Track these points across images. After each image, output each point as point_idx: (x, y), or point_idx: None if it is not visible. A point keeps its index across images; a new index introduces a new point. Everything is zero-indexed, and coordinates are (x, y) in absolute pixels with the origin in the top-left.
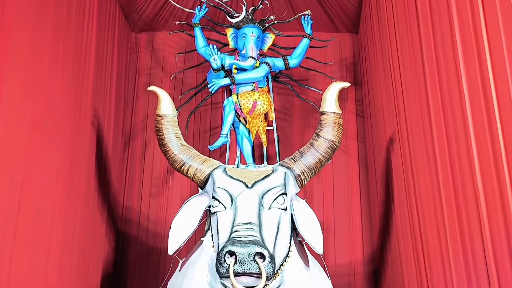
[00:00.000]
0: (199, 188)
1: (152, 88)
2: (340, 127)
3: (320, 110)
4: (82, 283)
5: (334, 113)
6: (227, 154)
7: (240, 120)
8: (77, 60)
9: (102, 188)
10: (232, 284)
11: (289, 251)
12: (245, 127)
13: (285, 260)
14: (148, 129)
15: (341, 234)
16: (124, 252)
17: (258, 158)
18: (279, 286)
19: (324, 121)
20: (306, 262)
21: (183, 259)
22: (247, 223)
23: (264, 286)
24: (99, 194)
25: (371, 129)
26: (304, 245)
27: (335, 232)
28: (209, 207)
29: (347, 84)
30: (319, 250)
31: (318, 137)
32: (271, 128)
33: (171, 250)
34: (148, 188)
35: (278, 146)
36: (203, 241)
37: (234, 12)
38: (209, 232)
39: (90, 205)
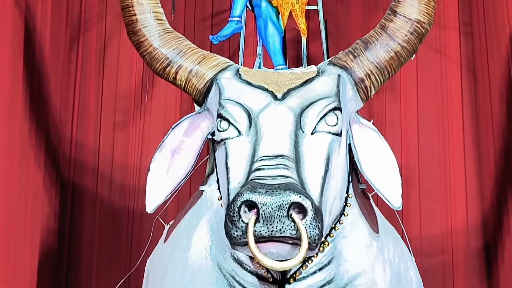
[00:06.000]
0: (195, 105)
1: None
2: None
3: None
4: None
5: None
6: (240, 52)
7: None
8: None
9: (35, 115)
10: (252, 256)
11: (345, 205)
12: (271, 5)
13: (338, 220)
14: (110, 14)
15: (430, 186)
16: (75, 216)
17: (292, 60)
18: (329, 263)
19: None
20: (373, 225)
21: (170, 223)
22: (276, 157)
23: (305, 261)
24: (31, 125)
25: (484, 12)
26: (371, 197)
27: (420, 183)
28: (213, 134)
29: None
30: (395, 202)
31: (395, 15)
32: (314, 7)
33: (150, 206)
34: (111, 114)
35: (327, 38)
36: (203, 191)
37: None
38: (213, 176)
39: (16, 144)
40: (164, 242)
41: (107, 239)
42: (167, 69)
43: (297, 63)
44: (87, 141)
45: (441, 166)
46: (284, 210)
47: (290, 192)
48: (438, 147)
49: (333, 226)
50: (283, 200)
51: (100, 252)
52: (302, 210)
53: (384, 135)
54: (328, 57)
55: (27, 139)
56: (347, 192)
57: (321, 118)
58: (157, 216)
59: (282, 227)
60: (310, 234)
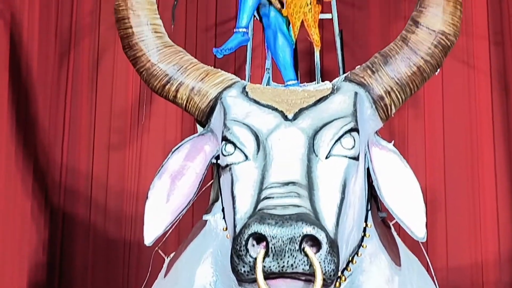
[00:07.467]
0: (197, 125)
1: None
2: (458, 7)
3: None
4: None
5: None
6: (247, 66)
7: (271, 2)
8: None
9: (22, 137)
10: None
11: (363, 236)
12: (281, 14)
13: (356, 253)
14: (103, 24)
15: (458, 213)
16: (66, 248)
17: (305, 74)
18: None
19: None
20: (395, 258)
21: (171, 256)
22: (287, 184)
23: None
24: (17, 149)
25: None
26: (392, 226)
27: (447, 209)
28: (217, 158)
29: None
30: (419, 233)
31: (417, 26)
32: (329, 16)
33: (148, 238)
34: (106, 135)
35: (342, 51)
36: (206, 221)
37: None
38: (218, 204)
39: (1, 169)
40: (164, 277)
41: (101, 273)
42: (167, 86)
43: (310, 77)
44: (79, 164)
45: (470, 190)
46: (296, 243)
47: (302, 223)
48: (466, 169)
49: (350, 259)
50: (294, 232)
51: (95, 274)
52: (316, 243)
53: (406, 156)
54: (344, 71)
55: (13, 164)
56: (365, 222)
57: (336, 141)
58: (157, 248)
59: (294, 262)
60: (325, 269)
